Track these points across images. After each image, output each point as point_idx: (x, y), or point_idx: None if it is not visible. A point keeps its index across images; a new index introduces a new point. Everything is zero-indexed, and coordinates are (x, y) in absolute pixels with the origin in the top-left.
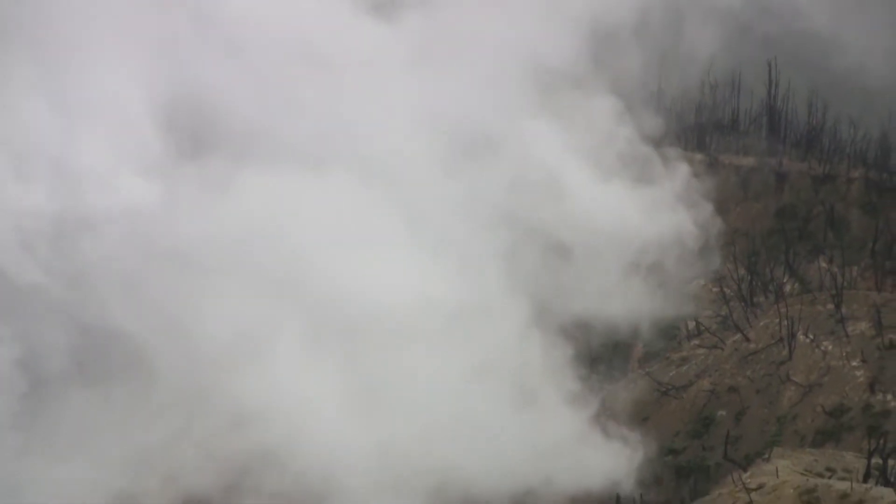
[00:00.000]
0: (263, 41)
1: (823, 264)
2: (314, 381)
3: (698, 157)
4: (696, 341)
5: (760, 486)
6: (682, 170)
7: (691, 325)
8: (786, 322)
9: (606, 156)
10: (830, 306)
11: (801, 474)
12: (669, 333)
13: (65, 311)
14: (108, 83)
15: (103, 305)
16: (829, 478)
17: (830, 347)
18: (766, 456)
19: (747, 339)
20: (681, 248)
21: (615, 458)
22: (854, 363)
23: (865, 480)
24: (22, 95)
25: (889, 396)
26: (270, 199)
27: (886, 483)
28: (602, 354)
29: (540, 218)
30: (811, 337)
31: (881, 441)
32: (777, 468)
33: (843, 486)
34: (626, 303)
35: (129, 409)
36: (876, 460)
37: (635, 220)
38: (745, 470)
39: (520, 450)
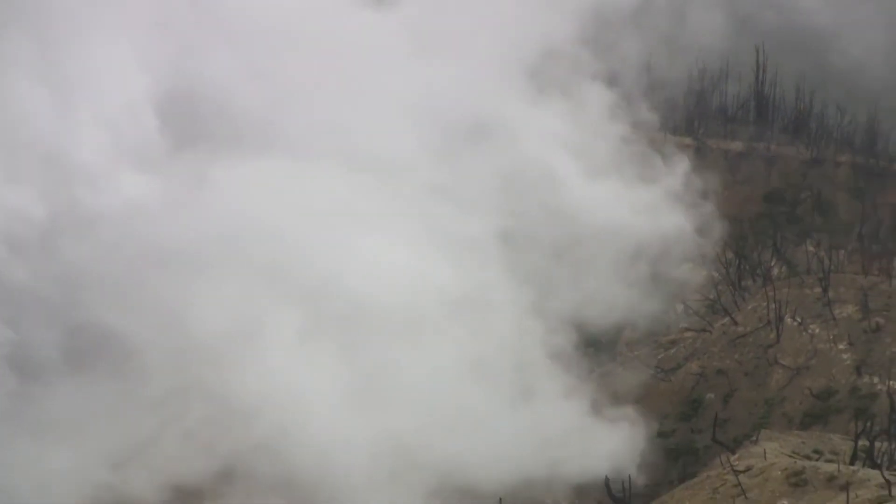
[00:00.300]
0: (259, 29)
1: (811, 248)
2: (310, 374)
3: (686, 141)
4: (684, 324)
5: (748, 468)
6: (675, 158)
7: (679, 308)
8: (773, 305)
9: (600, 146)
10: (818, 290)
11: (789, 456)
12: (658, 318)
13: (55, 305)
14: (101, 75)
15: (94, 299)
16: (817, 460)
17: (818, 330)
18: (754, 438)
19: (735, 323)
20: (676, 237)
21: (618, 443)
22: (841, 346)
23: (852, 462)
24: (14, 85)
25: (876, 379)
26: (263, 190)
27: (873, 465)
28: (590, 339)
29: (536, 209)
30: (799, 320)
31: (868, 424)
32: (765, 450)
33: (830, 467)
34: (618, 293)
35: (120, 402)
36: (863, 443)
37: (629, 213)
38: (733, 452)
39: (519, 440)
